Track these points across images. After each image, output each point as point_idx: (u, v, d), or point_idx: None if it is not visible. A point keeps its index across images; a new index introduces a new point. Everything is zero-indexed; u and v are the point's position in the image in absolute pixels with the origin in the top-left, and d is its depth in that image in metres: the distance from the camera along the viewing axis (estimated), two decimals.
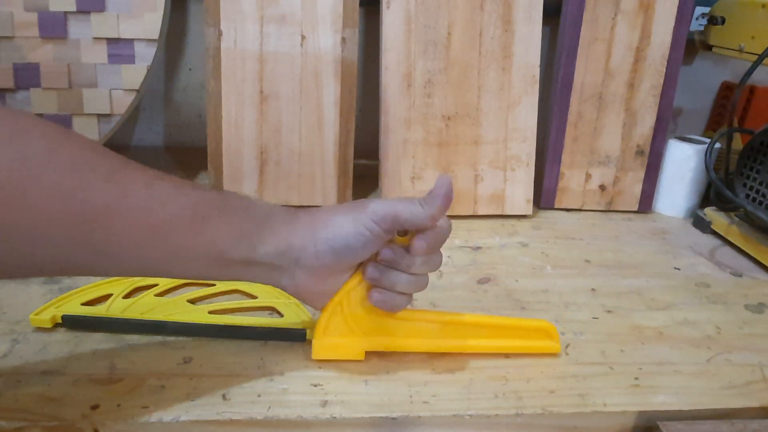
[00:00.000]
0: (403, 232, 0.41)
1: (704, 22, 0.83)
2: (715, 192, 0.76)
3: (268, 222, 0.38)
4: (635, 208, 0.81)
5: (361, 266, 0.41)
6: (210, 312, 0.48)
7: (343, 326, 0.42)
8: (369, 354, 0.44)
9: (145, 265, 0.35)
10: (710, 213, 0.76)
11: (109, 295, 0.49)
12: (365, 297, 0.41)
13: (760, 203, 0.67)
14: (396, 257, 0.40)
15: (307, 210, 0.41)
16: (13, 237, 0.30)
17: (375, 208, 0.39)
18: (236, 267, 0.38)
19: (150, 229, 0.33)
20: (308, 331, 0.45)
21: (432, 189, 0.39)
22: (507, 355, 0.46)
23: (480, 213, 0.75)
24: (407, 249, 0.40)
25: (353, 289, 0.41)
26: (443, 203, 0.39)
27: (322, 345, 0.43)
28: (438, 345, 0.45)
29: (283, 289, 0.40)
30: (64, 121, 0.70)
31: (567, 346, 0.49)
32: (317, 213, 0.40)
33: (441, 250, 0.42)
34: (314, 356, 0.43)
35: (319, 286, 0.40)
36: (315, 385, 0.41)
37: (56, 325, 0.46)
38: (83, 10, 0.67)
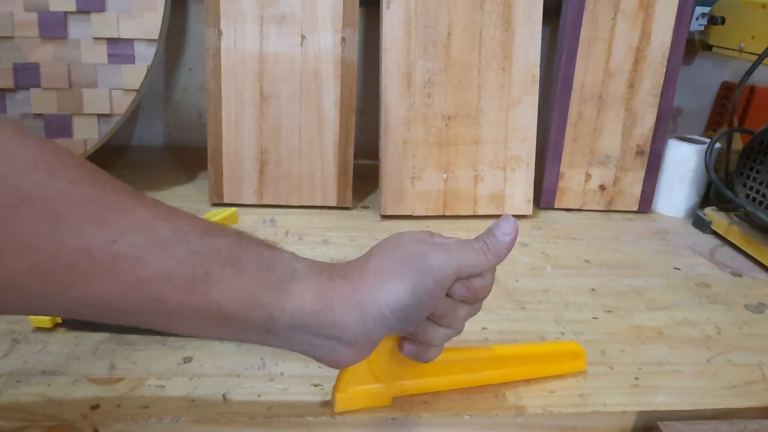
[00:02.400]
0: None
1: (704, 22, 0.83)
2: (715, 192, 0.76)
3: (291, 285, 0.32)
4: (635, 208, 0.81)
5: None
6: None
7: (368, 375, 0.39)
8: None
9: (139, 320, 0.30)
10: (710, 213, 0.76)
11: None
12: (394, 347, 0.38)
13: (760, 203, 0.67)
14: (438, 313, 0.35)
15: (347, 267, 0.34)
16: None
17: (438, 265, 0.33)
18: (252, 332, 0.32)
19: (139, 285, 0.28)
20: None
21: (495, 230, 0.35)
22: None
23: (480, 213, 0.75)
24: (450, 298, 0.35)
25: (383, 340, 0.37)
26: (506, 251, 0.35)
27: (345, 397, 0.39)
28: (468, 380, 0.42)
29: (317, 360, 0.35)
30: (64, 121, 0.70)
31: None
32: (362, 276, 0.33)
33: None
34: (337, 409, 0.39)
35: (362, 356, 0.36)
36: (315, 385, 0.41)
37: (56, 325, 0.46)
38: (83, 10, 0.67)
